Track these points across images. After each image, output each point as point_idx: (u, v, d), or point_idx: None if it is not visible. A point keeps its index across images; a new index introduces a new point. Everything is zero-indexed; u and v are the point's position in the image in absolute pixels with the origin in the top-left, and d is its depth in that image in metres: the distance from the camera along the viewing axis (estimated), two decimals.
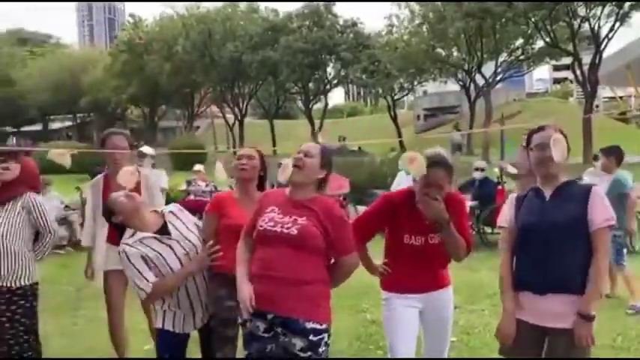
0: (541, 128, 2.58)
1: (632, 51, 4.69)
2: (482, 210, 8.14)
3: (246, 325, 2.47)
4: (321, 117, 37.06)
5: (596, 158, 7.82)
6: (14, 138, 58.00)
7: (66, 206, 9.25)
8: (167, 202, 8.53)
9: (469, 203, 8.09)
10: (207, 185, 10.21)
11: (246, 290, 2.41)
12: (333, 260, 2.52)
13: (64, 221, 8.74)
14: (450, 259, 2.81)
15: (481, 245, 7.84)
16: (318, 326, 2.37)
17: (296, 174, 2.48)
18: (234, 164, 3.04)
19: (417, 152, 2.59)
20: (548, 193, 2.52)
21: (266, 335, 2.41)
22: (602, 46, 24.04)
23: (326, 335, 2.41)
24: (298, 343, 2.34)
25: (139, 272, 2.68)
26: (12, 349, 3.18)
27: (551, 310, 2.41)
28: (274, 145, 39.03)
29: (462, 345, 4.18)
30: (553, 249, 2.42)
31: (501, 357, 2.66)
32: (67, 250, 8.62)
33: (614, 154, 5.61)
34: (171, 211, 2.92)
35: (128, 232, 2.77)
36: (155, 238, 2.75)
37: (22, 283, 3.22)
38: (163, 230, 2.80)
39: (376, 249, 2.89)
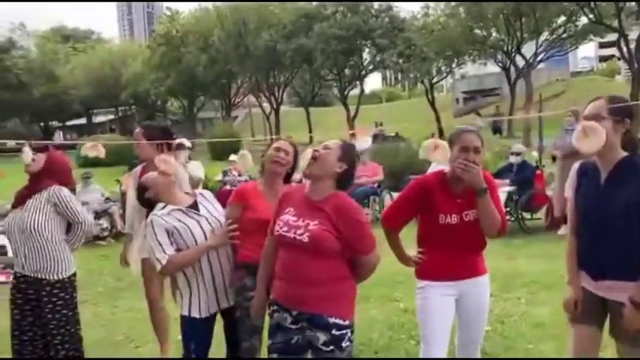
0: (595, 98, 2.46)
1: None
2: (521, 195, 7.92)
3: (274, 315, 2.51)
4: (357, 103, 36.78)
5: None
6: (60, 132, 60.01)
7: (107, 198, 9.49)
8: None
9: (507, 188, 7.89)
10: (241, 175, 10.30)
11: (256, 300, 2.67)
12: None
13: (104, 213, 9.00)
14: (486, 244, 2.76)
15: (519, 232, 7.65)
16: (341, 322, 2.40)
17: (311, 165, 2.48)
18: (269, 154, 3.01)
19: (440, 140, 2.53)
20: (604, 172, 2.40)
21: (293, 327, 2.45)
22: None
23: (349, 331, 2.43)
24: (322, 337, 2.38)
25: (159, 243, 2.74)
26: (54, 339, 3.29)
27: (609, 287, 2.37)
28: (310, 133, 39.12)
29: (496, 335, 4.07)
30: (609, 236, 2.35)
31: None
32: (109, 241, 8.89)
33: None
34: (202, 193, 3.06)
35: (159, 206, 2.86)
36: (183, 211, 2.85)
37: (61, 277, 3.32)
38: (193, 207, 2.91)
39: (408, 235, 2.84)
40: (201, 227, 2.85)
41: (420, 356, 2.77)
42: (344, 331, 2.40)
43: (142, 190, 2.96)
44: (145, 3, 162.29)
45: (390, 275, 5.32)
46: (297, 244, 2.40)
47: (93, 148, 3.44)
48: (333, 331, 2.38)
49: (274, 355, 2.47)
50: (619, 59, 47.91)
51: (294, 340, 2.46)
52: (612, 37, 28.84)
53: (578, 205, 2.49)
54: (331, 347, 2.37)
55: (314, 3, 34.94)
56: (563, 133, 7.44)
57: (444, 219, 2.68)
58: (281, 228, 2.47)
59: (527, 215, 8.16)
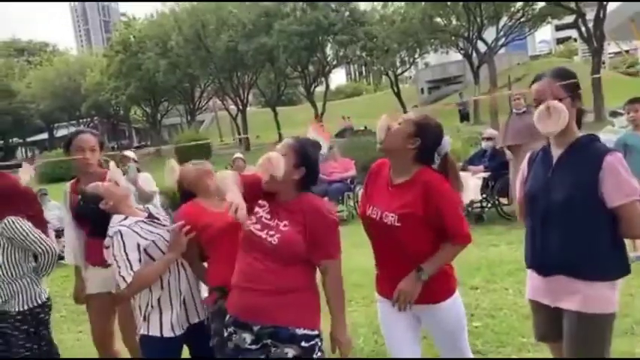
0: (538, 78, 2.24)
1: (636, 3, 4.38)
2: (496, 181, 7.78)
3: (231, 338, 2.25)
4: (323, 100, 36.55)
5: (614, 115, 7.41)
6: (22, 150, 58.22)
7: None
8: (171, 204, 8.19)
9: (482, 175, 7.76)
10: None
11: (237, 195, 2.14)
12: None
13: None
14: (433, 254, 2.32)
15: (499, 218, 7.51)
16: (309, 332, 2.18)
17: (265, 183, 2.24)
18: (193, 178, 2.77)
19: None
20: (557, 155, 2.18)
21: (253, 347, 2.20)
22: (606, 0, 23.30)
23: (318, 340, 2.21)
24: (290, 351, 2.14)
25: (127, 259, 2.44)
26: None
27: (561, 290, 2.16)
28: (279, 132, 38.74)
29: (487, 330, 3.85)
30: (554, 227, 2.12)
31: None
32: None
33: None
34: (152, 204, 2.85)
35: (117, 217, 2.55)
36: (147, 222, 2.60)
37: (20, 309, 3.09)
38: (151, 217, 2.67)
39: None
40: (166, 240, 2.61)
41: None
42: (314, 342, 2.18)
43: (92, 200, 2.61)
44: (100, 7, 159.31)
45: (371, 274, 5.08)
46: (265, 245, 2.17)
47: (25, 171, 3.05)
48: (303, 344, 2.15)
49: None
50: (575, 40, 48.88)
51: None
52: (568, 19, 29.30)
53: (526, 193, 2.28)
54: None
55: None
56: (513, 118, 7.28)
57: (369, 210, 2.37)
58: (253, 224, 2.22)
59: (504, 201, 8.02)
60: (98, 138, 3.29)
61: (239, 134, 38.00)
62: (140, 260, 2.47)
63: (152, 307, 2.57)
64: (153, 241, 2.53)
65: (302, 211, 2.20)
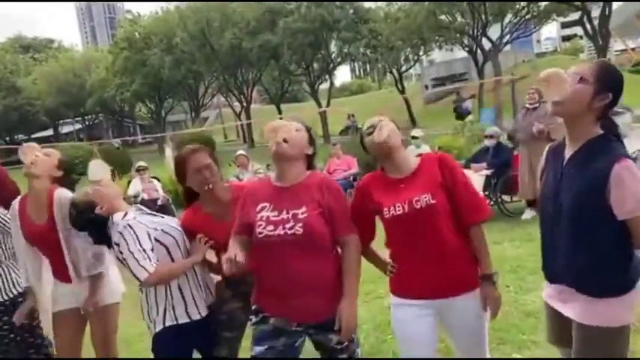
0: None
1: None
2: (499, 179, 7.77)
3: (268, 320, 2.28)
4: (327, 97, 36.53)
5: (616, 114, 7.38)
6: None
7: None
8: (178, 203, 8.14)
9: (485, 172, 7.75)
10: None
11: (232, 250, 2.16)
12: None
13: None
14: (465, 237, 2.28)
15: (501, 216, 7.51)
16: None
17: (281, 145, 2.22)
18: (194, 179, 2.63)
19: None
20: (570, 152, 2.03)
21: (299, 329, 2.28)
22: None
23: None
24: (334, 337, 2.25)
25: (144, 250, 2.44)
26: None
27: (566, 298, 2.09)
28: None
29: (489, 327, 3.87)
30: (561, 234, 2.02)
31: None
32: None
33: None
34: (138, 206, 2.84)
35: (118, 214, 2.55)
36: (147, 213, 2.66)
37: (1, 298, 3.07)
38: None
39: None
40: (170, 225, 2.68)
41: None
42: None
43: (85, 209, 2.59)
44: (106, 5, 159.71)
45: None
46: (289, 239, 2.14)
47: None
48: None
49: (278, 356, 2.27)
50: (581, 38, 48.62)
51: (297, 343, 2.30)
52: (574, 16, 29.15)
53: (539, 196, 2.17)
54: (346, 343, 2.27)
55: None
56: (524, 113, 7.29)
57: (389, 212, 2.24)
58: (264, 228, 2.18)
59: (507, 198, 8.02)
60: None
61: (243, 132, 38.06)
62: (152, 249, 2.48)
63: (172, 296, 2.56)
64: (161, 229, 2.57)
65: (318, 189, 2.24)
